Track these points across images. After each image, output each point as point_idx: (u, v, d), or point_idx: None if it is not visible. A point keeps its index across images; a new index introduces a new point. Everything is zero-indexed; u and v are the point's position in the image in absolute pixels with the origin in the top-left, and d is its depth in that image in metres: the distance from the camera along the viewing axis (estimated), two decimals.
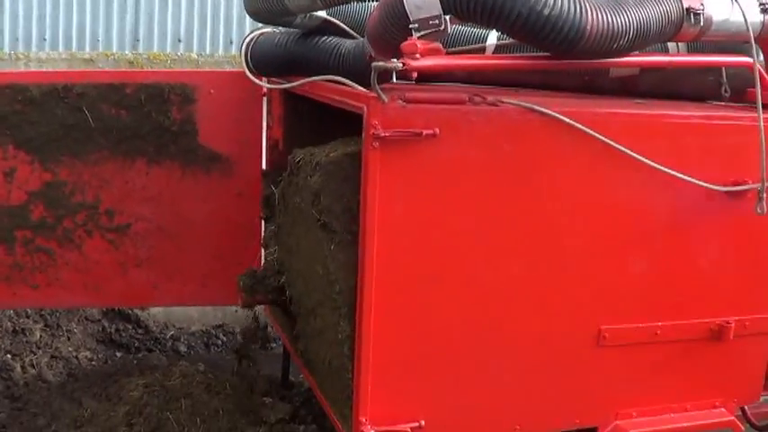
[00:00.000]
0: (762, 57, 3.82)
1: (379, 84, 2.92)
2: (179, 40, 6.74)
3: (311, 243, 3.60)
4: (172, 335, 6.18)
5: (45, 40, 6.58)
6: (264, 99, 4.52)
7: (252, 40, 4.03)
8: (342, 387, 3.42)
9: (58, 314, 5.80)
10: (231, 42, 6.87)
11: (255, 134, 4.58)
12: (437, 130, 3.00)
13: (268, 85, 4.19)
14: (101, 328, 5.96)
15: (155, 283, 4.76)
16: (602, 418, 3.58)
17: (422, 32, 2.98)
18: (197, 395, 4.54)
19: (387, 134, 2.94)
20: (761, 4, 3.64)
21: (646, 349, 3.57)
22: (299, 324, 4.04)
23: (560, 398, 3.49)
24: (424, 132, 2.99)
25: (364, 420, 3.16)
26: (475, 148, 3.12)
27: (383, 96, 2.94)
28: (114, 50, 6.62)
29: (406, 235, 3.10)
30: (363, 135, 3.00)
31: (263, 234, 4.66)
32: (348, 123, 3.40)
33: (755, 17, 3.62)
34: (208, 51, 6.77)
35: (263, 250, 4.68)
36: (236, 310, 6.10)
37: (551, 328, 3.40)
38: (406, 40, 3.02)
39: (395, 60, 2.93)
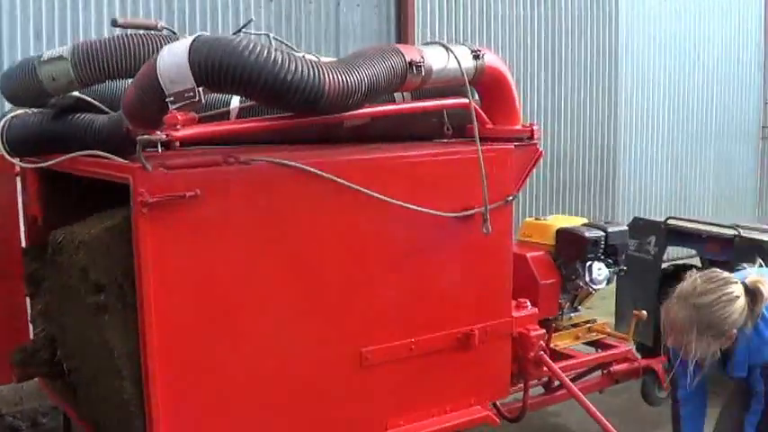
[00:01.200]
0: (477, 96, 4.30)
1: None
2: None
3: (84, 315, 3.63)
4: None
5: None
6: (18, 178, 4.49)
7: (5, 123, 4.08)
8: None
9: None
10: None
11: (12, 213, 4.55)
12: (198, 191, 3.20)
13: (23, 165, 4.19)
14: None
15: None
16: None
17: (178, 105, 3.16)
18: None
19: (154, 200, 3.11)
20: (472, 52, 4.09)
21: (404, 364, 3.89)
22: (82, 391, 4.05)
23: (335, 420, 3.75)
24: (187, 194, 3.18)
25: None
26: (234, 203, 3.36)
27: (147, 165, 3.12)
28: None
29: (182, 293, 3.27)
30: (132, 203, 3.14)
31: (29, 311, 4.61)
32: (104, 193, 3.54)
33: (469, 63, 4.07)
34: None
35: (31, 326, 4.66)
36: (0, 390, 5.99)
37: (320, 358, 3.66)
38: (162, 111, 3.20)
39: (159, 132, 3.13)
